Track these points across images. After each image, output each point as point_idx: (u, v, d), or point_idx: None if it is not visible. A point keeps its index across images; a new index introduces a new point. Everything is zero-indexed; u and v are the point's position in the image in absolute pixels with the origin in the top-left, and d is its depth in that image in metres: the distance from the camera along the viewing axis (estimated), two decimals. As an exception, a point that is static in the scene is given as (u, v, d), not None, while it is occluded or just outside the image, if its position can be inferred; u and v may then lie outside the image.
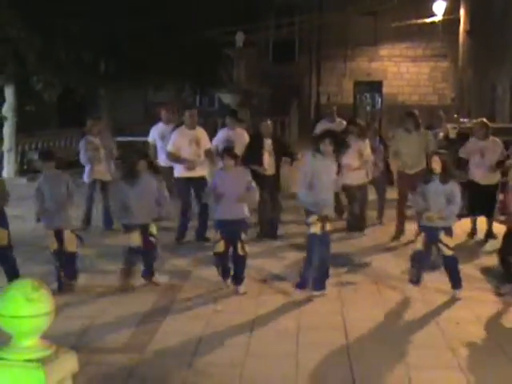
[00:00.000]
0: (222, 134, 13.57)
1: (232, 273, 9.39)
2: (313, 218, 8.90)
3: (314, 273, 8.98)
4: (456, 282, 9.01)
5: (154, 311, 8.58)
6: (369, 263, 10.86)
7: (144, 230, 9.41)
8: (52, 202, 9.36)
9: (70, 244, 9.44)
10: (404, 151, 12.22)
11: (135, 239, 9.39)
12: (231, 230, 9.19)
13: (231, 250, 9.28)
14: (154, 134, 14.19)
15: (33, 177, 10.35)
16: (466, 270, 9.81)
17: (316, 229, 8.90)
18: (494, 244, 11.14)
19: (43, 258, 10.17)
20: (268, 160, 12.21)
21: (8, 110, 21.38)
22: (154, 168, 9.95)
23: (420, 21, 34.77)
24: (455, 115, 25.58)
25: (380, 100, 39.51)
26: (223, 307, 8.68)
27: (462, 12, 35.12)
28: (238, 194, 9.16)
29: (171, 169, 12.61)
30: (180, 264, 10.74)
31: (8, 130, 21.51)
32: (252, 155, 12.03)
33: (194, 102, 36.18)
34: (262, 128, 12.38)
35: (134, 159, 9.57)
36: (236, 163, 9.55)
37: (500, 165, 12.01)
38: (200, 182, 11.92)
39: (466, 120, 23.04)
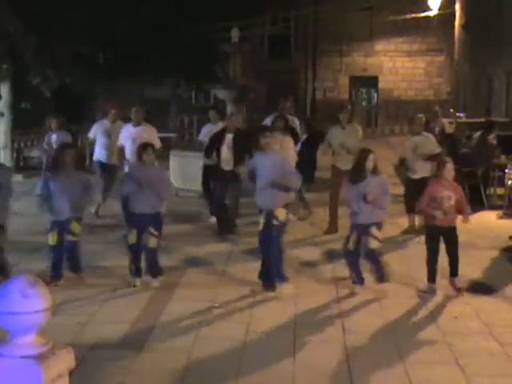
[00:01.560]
0: (205, 130, 13.92)
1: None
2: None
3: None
4: (381, 274, 9.00)
5: (151, 308, 8.56)
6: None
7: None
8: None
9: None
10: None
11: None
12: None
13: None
14: (96, 131, 14.28)
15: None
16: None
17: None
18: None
19: (41, 255, 10.15)
20: (226, 155, 12.23)
21: (4, 106, 21.33)
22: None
23: (415, 15, 34.78)
24: (451, 110, 25.58)
25: (376, 95, 39.53)
26: (220, 304, 8.68)
27: (457, 6, 35.15)
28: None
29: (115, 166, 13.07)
30: (173, 261, 10.72)
31: (4, 126, 21.45)
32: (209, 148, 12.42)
33: (190, 97, 36.17)
34: (228, 122, 12.57)
35: (60, 150, 9.63)
36: None
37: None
38: None
39: (462, 114, 23.07)
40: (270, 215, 8.92)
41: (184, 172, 16.15)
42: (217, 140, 12.30)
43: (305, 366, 6.73)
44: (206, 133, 13.74)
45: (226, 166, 12.14)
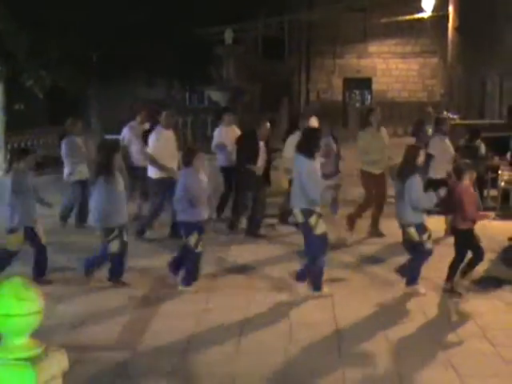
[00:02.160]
0: (222, 133, 13.82)
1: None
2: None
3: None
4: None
5: (144, 308, 8.58)
6: (359, 259, 10.86)
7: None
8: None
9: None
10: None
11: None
12: None
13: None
14: (129, 135, 14.05)
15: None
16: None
17: None
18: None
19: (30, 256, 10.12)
20: (261, 163, 12.33)
21: (-3, 108, 21.31)
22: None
23: (409, 17, 34.81)
24: (445, 111, 25.62)
25: (369, 97, 39.55)
26: (214, 304, 8.68)
27: (450, 8, 35.15)
28: None
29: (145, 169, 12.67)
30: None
31: (-3, 128, 21.42)
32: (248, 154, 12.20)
33: (184, 99, 36.14)
34: (262, 129, 12.39)
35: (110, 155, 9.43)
36: None
37: None
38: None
39: (455, 116, 23.10)
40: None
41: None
42: (256, 149, 12.24)
43: (298, 366, 6.73)
44: (223, 135, 13.67)
45: (259, 172, 12.28)
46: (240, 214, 12.62)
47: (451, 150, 12.38)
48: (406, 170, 9.05)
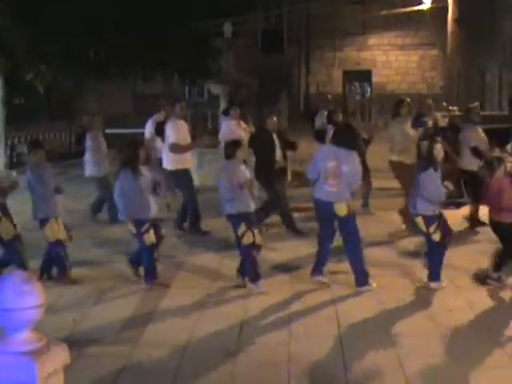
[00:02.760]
0: (230, 127, 13.83)
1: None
2: None
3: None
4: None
5: (145, 304, 8.57)
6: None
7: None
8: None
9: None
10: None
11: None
12: None
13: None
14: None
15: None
16: (458, 257, 9.85)
17: None
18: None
19: (35, 252, 10.13)
20: (279, 156, 12.25)
21: (-3, 102, 21.27)
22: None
23: (408, 9, 34.78)
24: (444, 103, 25.59)
25: (369, 89, 39.55)
26: (215, 298, 8.68)
27: (449, 0, 35.14)
28: None
29: None
30: (172, 255, 10.70)
31: (-3, 122, 21.39)
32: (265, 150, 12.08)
33: (183, 92, 36.13)
34: (269, 124, 12.35)
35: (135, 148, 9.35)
36: None
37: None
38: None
39: (455, 108, 23.06)
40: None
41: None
42: (272, 142, 12.14)
43: (299, 359, 6.75)
44: (232, 130, 13.61)
45: (276, 165, 12.15)
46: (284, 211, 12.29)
47: (485, 138, 12.32)
48: (421, 162, 9.12)
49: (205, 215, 12.29)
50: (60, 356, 3.85)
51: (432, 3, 34.35)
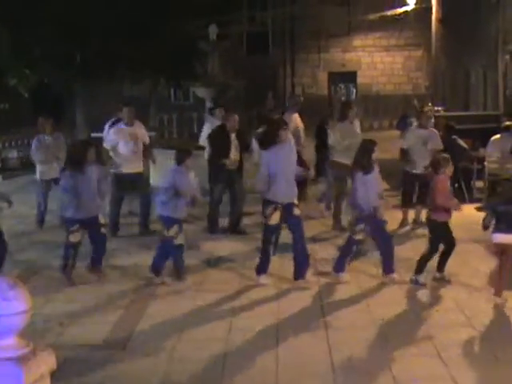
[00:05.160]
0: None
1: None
2: None
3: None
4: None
5: (133, 308, 8.56)
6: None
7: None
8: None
9: None
10: None
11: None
12: None
13: None
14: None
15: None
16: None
17: None
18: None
19: (20, 256, 10.11)
20: (235, 155, 12.19)
21: (-19, 108, 21.20)
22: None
23: (392, 12, 34.94)
24: (429, 104, 25.67)
25: (354, 90, 39.60)
26: (201, 301, 8.67)
27: (433, 1, 35.24)
28: None
29: None
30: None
31: (-19, 128, 21.31)
32: (219, 149, 12.10)
33: (169, 95, 36.09)
34: (229, 122, 12.32)
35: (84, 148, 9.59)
36: None
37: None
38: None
39: (440, 108, 23.17)
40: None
41: (165, 170, 16.09)
42: (227, 141, 12.11)
43: (287, 359, 6.75)
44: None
45: (232, 166, 12.10)
46: (214, 209, 12.45)
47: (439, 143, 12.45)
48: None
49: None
50: (46, 361, 3.84)
51: (416, 4, 34.47)
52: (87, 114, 25.53)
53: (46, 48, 21.29)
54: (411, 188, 12.33)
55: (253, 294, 8.88)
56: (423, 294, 8.78)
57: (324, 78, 39.26)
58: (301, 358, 6.83)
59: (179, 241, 9.31)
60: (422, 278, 9.02)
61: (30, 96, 24.02)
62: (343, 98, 39.01)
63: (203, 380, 6.51)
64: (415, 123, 14.29)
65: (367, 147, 9.33)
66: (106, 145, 12.44)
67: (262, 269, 9.28)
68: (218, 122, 13.77)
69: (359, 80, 39.10)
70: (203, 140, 13.66)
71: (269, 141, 9.19)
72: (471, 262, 9.97)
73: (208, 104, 17.54)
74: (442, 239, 9.09)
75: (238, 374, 6.55)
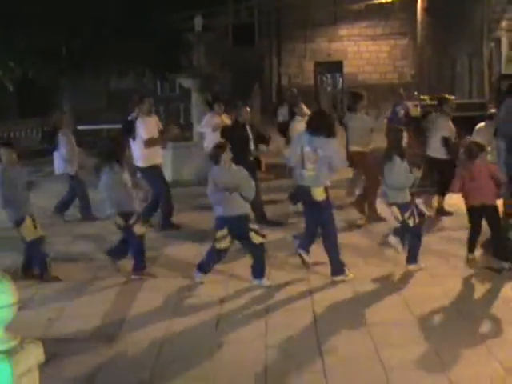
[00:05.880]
0: (212, 120, 14.50)
1: None
2: None
3: None
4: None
5: (121, 300, 8.55)
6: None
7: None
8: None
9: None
10: None
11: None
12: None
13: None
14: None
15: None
16: (437, 244, 9.94)
17: None
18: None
19: (5, 249, 10.08)
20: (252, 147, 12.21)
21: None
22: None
23: (378, 1, 34.94)
24: (415, 92, 25.72)
25: (341, 80, 39.60)
26: (191, 292, 8.68)
27: (419, -11, 35.28)
28: None
29: None
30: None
31: (-33, 122, 21.22)
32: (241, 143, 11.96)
33: (155, 88, 35.98)
34: (241, 115, 12.26)
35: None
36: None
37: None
38: None
39: (425, 97, 23.21)
40: None
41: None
42: (246, 134, 12.01)
43: (276, 350, 6.76)
44: (214, 123, 14.25)
45: (250, 157, 12.08)
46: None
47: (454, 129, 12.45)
48: (388, 152, 9.32)
49: (177, 209, 12.35)
50: (34, 354, 3.83)
51: (401, -8, 34.53)
52: (74, 107, 25.45)
53: (31, 41, 21.19)
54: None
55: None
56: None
57: (310, 67, 39.23)
58: (289, 348, 6.85)
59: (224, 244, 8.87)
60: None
61: (15, 89, 23.91)
62: (329, 89, 39.09)
63: (192, 370, 6.50)
64: (402, 112, 14.35)
65: (399, 134, 9.30)
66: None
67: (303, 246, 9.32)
68: (217, 116, 14.05)
69: (345, 69, 39.09)
70: (202, 126, 14.59)
71: (328, 130, 9.03)
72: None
73: (194, 97, 17.65)
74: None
75: (230, 364, 6.57)
